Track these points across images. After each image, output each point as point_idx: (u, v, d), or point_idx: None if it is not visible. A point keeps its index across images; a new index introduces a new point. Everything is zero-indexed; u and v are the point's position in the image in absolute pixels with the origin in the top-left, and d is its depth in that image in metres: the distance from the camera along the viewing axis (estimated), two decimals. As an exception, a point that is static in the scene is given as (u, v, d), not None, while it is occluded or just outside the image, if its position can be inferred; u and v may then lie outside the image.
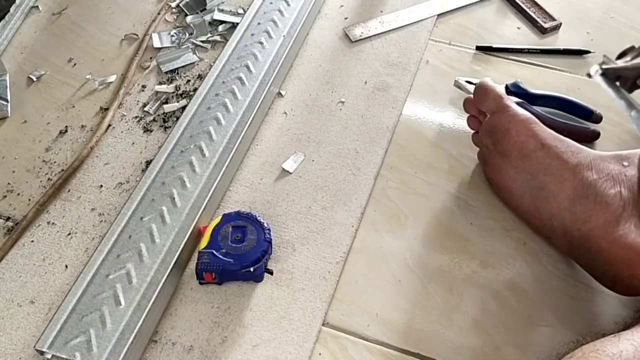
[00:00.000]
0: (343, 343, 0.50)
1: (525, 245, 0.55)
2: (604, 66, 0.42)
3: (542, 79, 0.69)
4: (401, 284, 0.53)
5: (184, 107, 0.65)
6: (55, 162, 0.62)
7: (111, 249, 0.52)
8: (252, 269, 0.51)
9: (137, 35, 0.74)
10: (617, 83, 0.41)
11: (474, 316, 0.51)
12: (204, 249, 0.52)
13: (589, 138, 0.61)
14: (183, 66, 0.71)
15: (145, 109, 0.67)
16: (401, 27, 0.74)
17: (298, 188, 0.60)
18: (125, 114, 0.66)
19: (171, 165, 0.58)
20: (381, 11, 0.76)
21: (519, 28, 0.74)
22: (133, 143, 0.64)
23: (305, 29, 0.73)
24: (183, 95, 0.68)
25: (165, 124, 0.65)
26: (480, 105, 0.57)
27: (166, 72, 0.70)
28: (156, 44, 0.73)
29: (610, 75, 0.41)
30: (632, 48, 0.43)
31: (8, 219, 0.58)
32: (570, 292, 0.52)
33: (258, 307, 0.52)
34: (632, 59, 0.41)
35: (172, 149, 0.59)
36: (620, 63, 0.42)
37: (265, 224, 0.53)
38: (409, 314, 0.51)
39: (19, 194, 0.60)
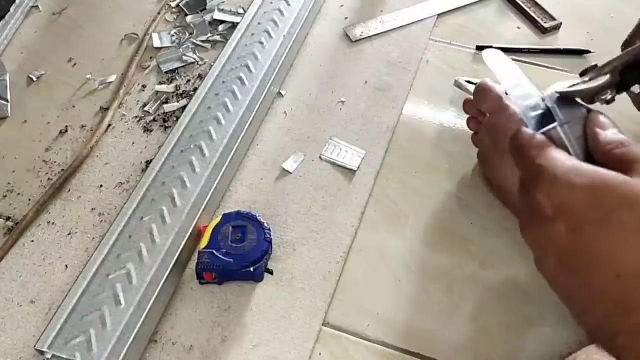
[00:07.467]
0: (343, 343, 0.50)
1: (525, 245, 0.55)
2: (560, 90, 0.41)
3: (542, 79, 0.68)
4: (401, 284, 0.53)
5: (184, 107, 0.65)
6: (55, 161, 0.62)
7: (111, 249, 0.52)
8: (252, 269, 0.51)
9: (137, 34, 0.74)
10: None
11: (474, 316, 0.51)
12: (204, 248, 0.52)
13: None
14: (183, 66, 0.71)
15: (145, 108, 0.67)
16: (401, 26, 0.74)
17: (298, 188, 0.59)
18: (125, 113, 0.66)
19: (171, 165, 0.58)
20: (381, 11, 0.76)
21: (519, 28, 0.74)
22: (133, 143, 0.64)
23: (305, 28, 0.72)
24: (183, 95, 0.68)
25: (165, 124, 0.65)
26: (479, 105, 0.57)
27: (166, 72, 0.70)
28: (156, 43, 0.73)
29: (568, 98, 0.41)
30: (594, 67, 0.42)
31: (8, 218, 0.58)
32: (570, 292, 0.52)
33: (258, 306, 0.52)
34: (591, 79, 0.41)
35: (172, 149, 0.59)
36: (579, 82, 0.41)
37: (265, 224, 0.53)
38: (409, 313, 0.51)
39: (19, 194, 0.60)
